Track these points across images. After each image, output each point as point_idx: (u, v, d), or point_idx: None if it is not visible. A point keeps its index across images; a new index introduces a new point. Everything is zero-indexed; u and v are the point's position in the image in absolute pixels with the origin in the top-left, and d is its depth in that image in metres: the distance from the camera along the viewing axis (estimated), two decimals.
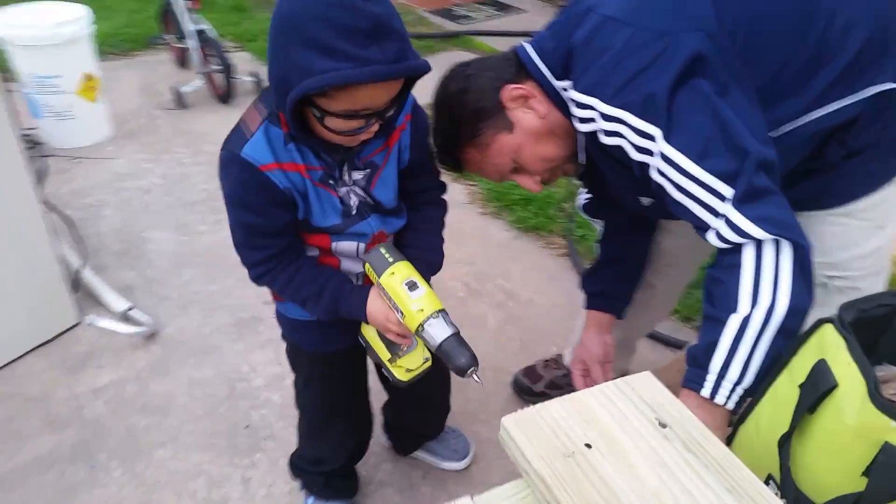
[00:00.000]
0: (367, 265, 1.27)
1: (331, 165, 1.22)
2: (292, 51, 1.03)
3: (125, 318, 2.33)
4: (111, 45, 4.49)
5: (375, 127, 1.15)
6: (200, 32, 3.77)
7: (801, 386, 0.95)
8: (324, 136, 1.15)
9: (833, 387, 0.90)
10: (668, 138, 1.13)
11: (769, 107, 1.20)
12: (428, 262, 1.36)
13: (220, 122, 3.62)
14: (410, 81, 1.17)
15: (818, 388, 0.92)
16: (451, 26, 5.15)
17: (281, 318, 1.49)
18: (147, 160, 3.35)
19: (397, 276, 1.22)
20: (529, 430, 0.93)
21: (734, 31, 1.17)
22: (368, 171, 1.26)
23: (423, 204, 1.41)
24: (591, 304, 1.75)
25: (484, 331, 2.37)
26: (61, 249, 2.40)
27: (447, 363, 1.22)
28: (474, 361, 1.23)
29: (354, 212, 1.27)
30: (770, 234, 1.09)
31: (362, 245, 1.31)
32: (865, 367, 0.87)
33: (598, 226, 1.79)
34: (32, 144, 3.03)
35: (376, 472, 1.87)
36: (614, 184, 1.42)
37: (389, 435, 1.90)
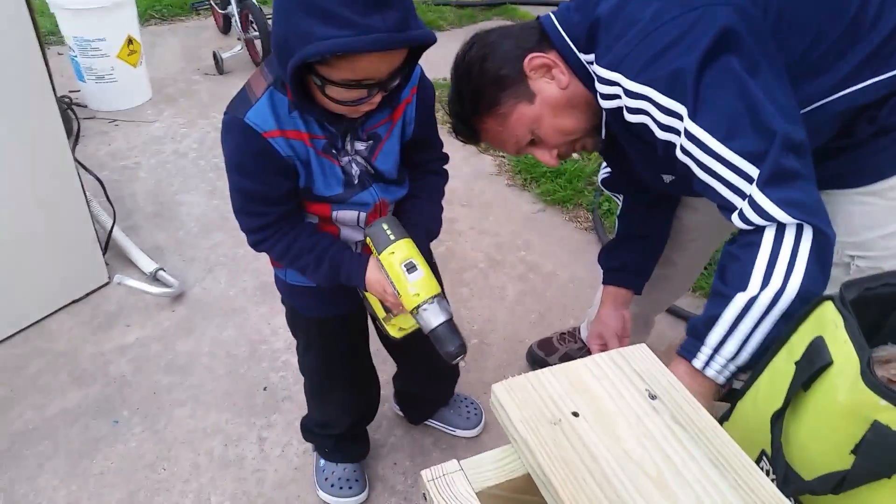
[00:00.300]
0: (367, 238, 1.27)
1: (334, 135, 1.21)
2: (294, 16, 1.01)
3: (154, 278, 2.39)
4: (156, 10, 4.57)
5: (378, 98, 1.13)
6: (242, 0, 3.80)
7: (797, 362, 0.93)
8: (326, 105, 1.13)
9: (827, 364, 0.87)
10: (694, 117, 1.10)
11: (800, 83, 1.16)
12: (427, 230, 1.37)
13: None
14: (416, 53, 1.15)
15: (813, 364, 0.89)
16: None
17: (280, 283, 1.50)
18: (184, 124, 3.41)
19: (397, 255, 1.23)
20: (519, 396, 0.93)
21: (766, 4, 1.14)
22: (371, 142, 1.25)
23: (426, 172, 1.40)
24: (609, 279, 1.71)
25: (503, 302, 2.36)
26: (94, 210, 2.46)
27: (436, 346, 1.25)
28: (463, 350, 1.26)
29: (356, 181, 1.26)
30: (794, 218, 1.06)
31: (363, 214, 1.30)
32: (861, 346, 0.84)
33: (618, 200, 1.76)
34: (70, 105, 3.12)
35: (388, 437, 1.89)
36: (636, 160, 1.39)
37: (401, 405, 1.92)
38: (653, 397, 0.93)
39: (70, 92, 3.51)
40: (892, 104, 1.18)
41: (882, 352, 0.99)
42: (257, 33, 3.76)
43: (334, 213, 1.29)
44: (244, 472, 1.80)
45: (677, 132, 1.13)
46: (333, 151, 1.23)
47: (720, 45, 1.09)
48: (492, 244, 2.63)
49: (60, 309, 2.28)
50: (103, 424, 1.92)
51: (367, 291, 1.33)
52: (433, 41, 1.10)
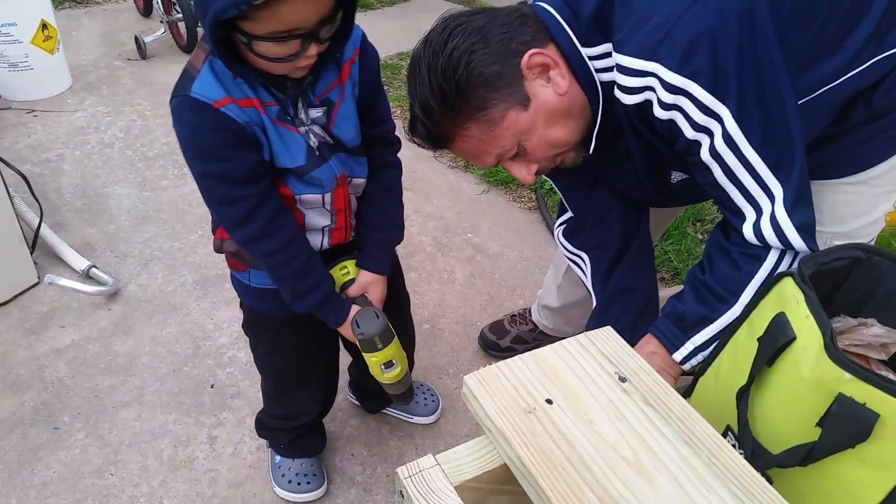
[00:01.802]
0: (356, 326, 1.33)
1: (283, 101, 1.14)
2: None
3: (86, 276, 2.28)
4: None
5: (312, 51, 1.05)
6: None
7: (760, 339, 0.95)
8: (260, 65, 1.06)
9: (791, 339, 0.90)
10: (739, 119, 1.03)
11: (811, 67, 1.11)
12: (389, 241, 1.39)
13: None
14: (348, 6, 1.08)
15: (777, 340, 0.91)
16: None
17: (240, 286, 1.43)
18: (108, 113, 3.26)
19: (376, 360, 1.37)
20: (492, 387, 0.93)
21: None
22: (325, 108, 1.19)
23: (380, 167, 1.35)
24: None
25: (452, 285, 2.35)
26: (19, 206, 2.33)
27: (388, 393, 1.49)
28: (412, 395, 1.54)
29: (317, 153, 1.20)
30: (805, 246, 1.09)
31: (328, 196, 1.25)
32: (823, 320, 0.87)
33: (583, 263, 1.56)
34: None
35: (344, 428, 1.87)
36: (640, 161, 1.26)
37: (357, 394, 1.89)
38: (623, 380, 0.93)
39: None
40: (886, 86, 1.15)
41: (836, 323, 1.02)
42: (181, 15, 3.61)
43: (297, 196, 1.23)
44: (196, 472, 1.75)
45: (710, 133, 1.06)
46: (288, 118, 1.16)
47: (753, 34, 1.02)
48: (438, 227, 2.62)
49: None
50: (42, 432, 1.83)
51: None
52: None
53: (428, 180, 2.87)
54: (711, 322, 1.15)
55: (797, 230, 1.08)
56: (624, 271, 1.49)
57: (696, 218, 2.59)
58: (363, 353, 1.37)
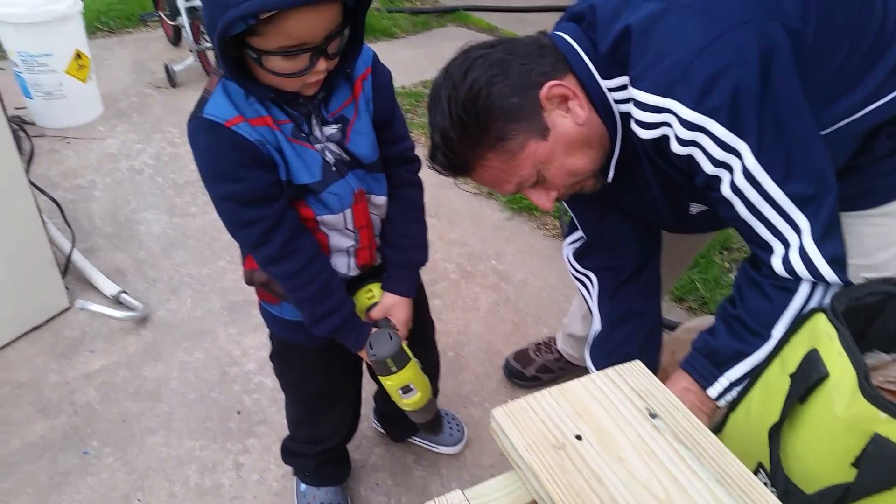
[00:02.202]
0: (370, 348, 1.32)
1: (297, 119, 1.16)
2: None
3: (116, 301, 2.31)
4: (103, 22, 4.44)
5: (321, 66, 1.07)
6: (192, 10, 3.72)
7: (792, 375, 0.95)
8: (270, 81, 1.08)
9: (824, 376, 0.89)
10: (758, 155, 1.03)
11: (833, 101, 1.11)
12: (412, 261, 1.40)
13: None
14: (356, 18, 1.11)
15: (809, 377, 0.91)
16: (448, 1, 5.08)
17: (272, 318, 1.43)
18: (138, 140, 3.32)
19: (393, 383, 1.35)
20: (520, 421, 0.93)
21: (808, 15, 1.07)
22: (340, 125, 1.20)
23: (400, 185, 1.35)
24: None
25: (476, 313, 2.35)
26: (52, 232, 2.38)
27: (420, 429, 1.50)
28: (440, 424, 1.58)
29: (334, 169, 1.21)
30: (837, 278, 1.07)
31: (349, 215, 1.26)
32: (856, 358, 0.86)
33: (589, 284, 1.56)
34: (21, 124, 3.01)
35: (369, 456, 1.87)
36: (659, 193, 1.27)
37: (382, 423, 1.89)
38: (653, 416, 0.93)
39: (16, 109, 3.38)
40: None
41: (870, 360, 1.01)
42: (210, 44, 3.68)
43: (319, 217, 1.24)
44: (222, 500, 1.76)
45: (730, 168, 1.06)
46: (303, 135, 1.17)
47: (771, 69, 1.02)
48: (462, 254, 2.63)
49: (20, 337, 2.19)
50: (72, 456, 1.85)
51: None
52: None
53: (452, 207, 2.88)
54: (746, 357, 1.13)
55: (828, 262, 1.07)
56: (633, 295, 1.48)
57: (724, 246, 2.57)
58: (379, 377, 1.36)
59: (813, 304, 1.10)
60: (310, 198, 1.22)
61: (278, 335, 1.48)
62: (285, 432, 1.73)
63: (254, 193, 1.15)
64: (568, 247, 1.60)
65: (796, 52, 1.03)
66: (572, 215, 1.56)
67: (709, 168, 1.07)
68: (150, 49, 4.22)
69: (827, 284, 1.10)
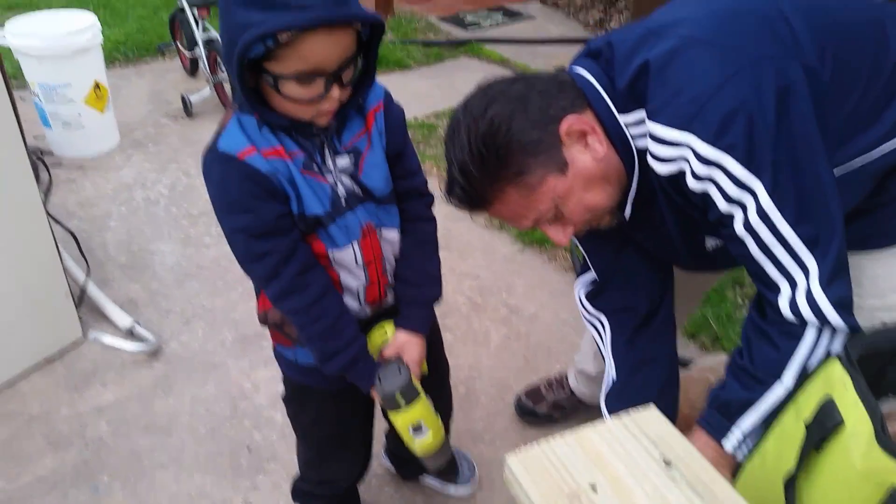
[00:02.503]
0: (378, 382, 1.30)
1: (310, 149, 1.18)
2: (233, 12, 1.01)
3: (129, 333, 2.33)
4: (121, 52, 4.51)
5: (335, 93, 1.09)
6: (209, 42, 3.77)
7: (808, 423, 0.94)
8: (286, 109, 1.11)
9: (839, 425, 0.88)
10: (773, 194, 1.03)
11: (848, 140, 1.11)
12: (425, 298, 1.38)
13: None
14: (368, 48, 1.14)
15: (825, 426, 0.90)
16: (459, 33, 5.14)
17: (286, 362, 1.43)
18: (154, 170, 3.35)
19: (402, 421, 1.32)
20: (535, 469, 0.92)
21: (824, 55, 1.08)
22: (353, 156, 1.22)
23: (413, 220, 1.35)
24: None
25: (487, 347, 2.35)
26: (67, 263, 2.40)
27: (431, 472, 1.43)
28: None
29: (343, 202, 1.22)
30: (842, 322, 1.07)
31: (357, 248, 1.25)
32: (872, 406, 0.85)
33: (601, 328, 1.54)
34: (40, 154, 3.05)
35: (379, 496, 1.86)
36: (675, 228, 1.26)
37: (392, 460, 1.88)
38: (668, 464, 0.92)
39: (35, 138, 3.44)
40: None
41: (886, 406, 1.00)
42: (226, 75, 3.73)
43: (331, 253, 1.24)
44: None
45: (744, 206, 1.06)
46: (315, 167, 1.19)
47: (790, 109, 1.03)
48: (473, 287, 2.63)
49: (33, 368, 2.21)
50: (82, 491, 1.85)
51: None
52: (378, 21, 1.10)
53: (463, 239, 2.89)
54: (754, 404, 1.13)
55: (834, 306, 1.06)
56: (648, 340, 1.47)
57: (736, 282, 2.56)
58: (388, 414, 1.33)
59: (820, 350, 1.09)
60: (321, 231, 1.22)
61: (292, 379, 1.48)
62: (295, 469, 1.73)
63: (265, 225, 1.16)
64: (580, 288, 1.59)
65: (813, 90, 1.04)
66: (584, 255, 1.55)
67: (723, 205, 1.07)
68: (166, 79, 4.28)
69: (833, 329, 1.09)
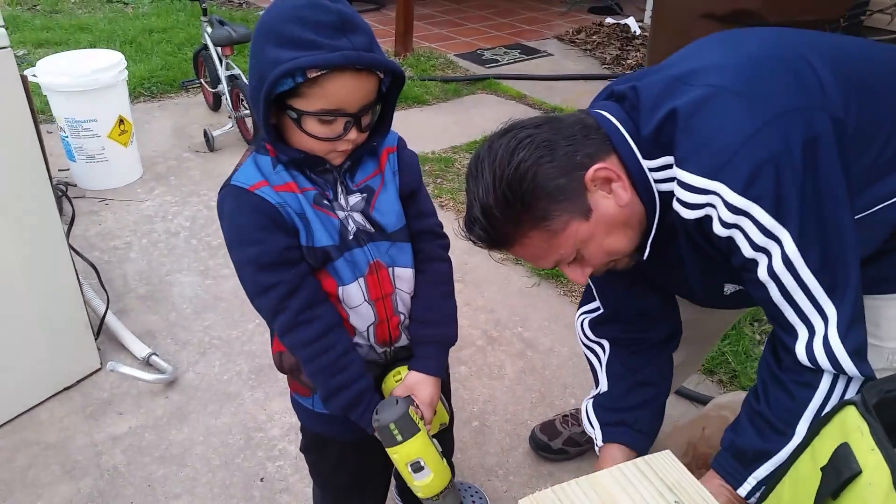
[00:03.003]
0: (375, 415, 1.25)
1: (322, 185, 1.21)
2: (266, 51, 1.07)
3: (147, 363, 2.34)
4: (146, 87, 4.62)
5: (352, 135, 1.15)
6: (233, 78, 3.86)
7: (824, 469, 0.92)
8: (304, 146, 1.16)
9: (856, 473, 0.87)
10: (799, 243, 1.05)
11: (870, 186, 1.13)
12: (440, 338, 1.36)
13: None
14: (388, 98, 1.20)
15: (841, 473, 0.89)
16: (477, 69, 5.21)
17: (303, 410, 1.43)
18: (175, 202, 3.41)
19: (401, 455, 1.25)
20: None
21: (849, 105, 1.09)
22: (366, 195, 1.25)
23: (429, 261, 1.35)
24: (615, 435, 1.45)
25: (502, 381, 2.34)
26: (87, 294, 2.43)
27: None
28: None
29: (351, 237, 1.23)
30: (857, 371, 1.08)
31: (364, 288, 1.25)
32: (889, 454, 0.84)
33: (601, 352, 1.55)
34: (65, 187, 3.12)
35: None
36: (693, 271, 1.27)
37: (402, 498, 1.87)
38: None
39: (59, 171, 3.51)
40: None
41: None
42: (248, 111, 3.80)
43: (340, 290, 1.24)
44: None
45: (769, 253, 1.07)
46: (326, 202, 1.21)
47: (818, 160, 1.05)
48: (488, 321, 2.63)
49: (51, 397, 2.23)
50: None
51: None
52: (400, 72, 1.16)
53: (479, 273, 2.90)
54: (771, 457, 1.13)
55: (850, 355, 1.07)
56: (649, 367, 1.48)
57: (754, 318, 2.54)
58: (387, 451, 1.27)
59: (834, 398, 1.10)
60: (329, 267, 1.23)
61: (310, 430, 1.46)
62: (307, 501, 1.72)
63: (271, 256, 1.18)
64: (582, 315, 1.58)
65: (839, 141, 1.05)
66: (592, 286, 1.54)
67: (748, 251, 1.08)
68: (189, 114, 4.37)
69: (848, 378, 1.10)
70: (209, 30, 3.88)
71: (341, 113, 1.11)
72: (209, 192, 3.48)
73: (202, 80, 4.35)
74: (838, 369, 1.08)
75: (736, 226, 1.07)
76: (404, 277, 1.32)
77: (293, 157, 1.17)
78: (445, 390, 1.59)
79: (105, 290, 2.54)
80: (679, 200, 1.12)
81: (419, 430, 1.25)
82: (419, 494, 1.31)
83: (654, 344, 1.47)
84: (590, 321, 1.54)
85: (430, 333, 1.35)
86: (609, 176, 1.15)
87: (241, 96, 3.82)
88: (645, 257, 1.25)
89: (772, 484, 1.05)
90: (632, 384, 1.47)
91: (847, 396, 1.09)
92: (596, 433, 1.47)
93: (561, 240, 1.17)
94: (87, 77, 3.26)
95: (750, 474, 1.16)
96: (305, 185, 1.19)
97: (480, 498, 1.87)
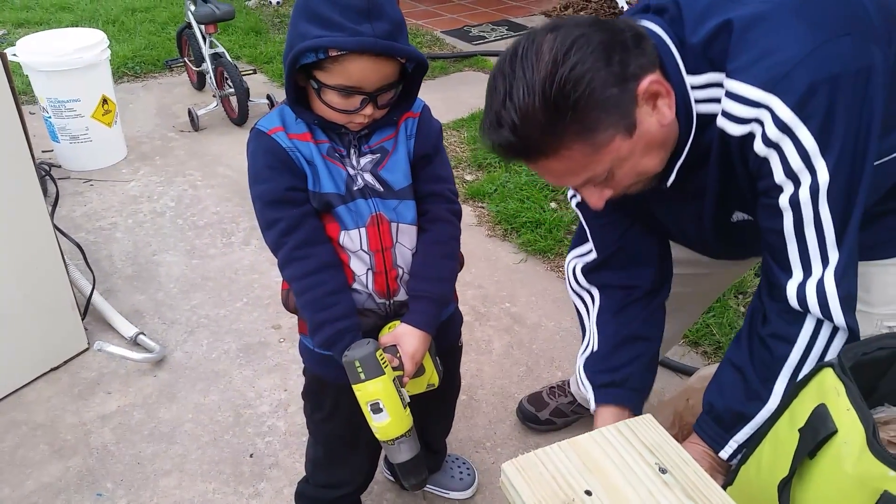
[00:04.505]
0: (345, 354, 1.26)
1: (336, 143, 1.29)
2: (299, 25, 1.17)
3: (134, 343, 2.34)
4: (129, 67, 4.57)
5: (368, 111, 1.22)
6: (217, 56, 3.82)
7: (801, 430, 0.94)
8: (323, 112, 1.24)
9: (832, 432, 0.88)
10: (831, 174, 1.01)
11: (887, 135, 1.09)
12: (433, 295, 1.36)
13: (233, 145, 3.66)
14: (412, 80, 1.27)
15: (818, 433, 0.90)
16: (464, 46, 5.18)
17: (306, 351, 1.47)
18: (160, 182, 3.39)
19: (362, 394, 1.27)
20: (530, 476, 0.93)
21: (893, 47, 1.05)
22: (378, 155, 1.31)
23: (435, 221, 1.37)
24: (608, 397, 1.39)
25: (490, 355, 2.35)
26: (73, 275, 2.42)
27: (398, 474, 1.37)
28: (422, 485, 1.39)
29: (357, 189, 1.29)
30: (843, 318, 1.06)
31: (363, 234, 1.29)
32: (864, 414, 0.86)
33: (591, 299, 1.50)
34: (48, 167, 3.09)
35: (380, 502, 1.86)
36: (712, 196, 1.20)
37: (392, 471, 1.88)
38: (663, 471, 0.93)
39: (43, 152, 3.48)
40: None
41: (880, 414, 1.00)
42: (232, 90, 3.76)
43: (342, 235, 1.30)
44: None
45: (798, 182, 1.03)
46: (338, 156, 1.29)
47: (868, 90, 1.01)
48: (476, 296, 2.63)
49: (39, 377, 2.22)
50: (86, 498, 1.86)
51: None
52: (421, 58, 1.22)
53: (466, 249, 2.85)
54: (750, 420, 1.14)
55: (840, 301, 1.06)
56: (641, 318, 1.43)
57: (738, 290, 2.56)
58: (352, 387, 1.28)
59: (816, 350, 1.09)
60: (333, 212, 1.30)
61: (311, 371, 1.51)
62: (296, 476, 1.73)
63: (276, 193, 1.27)
64: (574, 259, 1.51)
65: (885, 74, 1.02)
66: (586, 229, 1.47)
67: (779, 176, 1.04)
68: (173, 94, 4.33)
69: (831, 327, 1.09)
70: (192, 7, 3.82)
71: (359, 91, 1.19)
72: (194, 172, 3.46)
73: (186, 59, 4.31)
74: (826, 314, 1.06)
75: (777, 146, 1.02)
76: (407, 233, 1.35)
77: (310, 120, 1.27)
78: (453, 361, 1.60)
79: (91, 270, 2.54)
80: (726, 114, 1.06)
81: (383, 373, 1.25)
82: (377, 436, 1.32)
83: (645, 293, 1.43)
84: (582, 267, 1.48)
85: (424, 289, 1.36)
86: (659, 91, 1.07)
87: (226, 75, 3.79)
88: (669, 184, 1.18)
89: (752, 446, 1.07)
90: (622, 339, 1.41)
91: (831, 347, 1.09)
92: (589, 396, 1.43)
93: (602, 155, 1.07)
94: (70, 56, 3.22)
95: (731, 438, 1.16)
96: (321, 138, 1.28)
97: (468, 469, 1.89)
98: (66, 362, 2.29)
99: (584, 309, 1.50)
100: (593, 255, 1.46)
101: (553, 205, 3.12)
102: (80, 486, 1.89)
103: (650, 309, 1.44)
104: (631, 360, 1.40)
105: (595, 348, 1.44)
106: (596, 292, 1.47)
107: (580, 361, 1.47)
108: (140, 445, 2.02)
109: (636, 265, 1.43)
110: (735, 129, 1.05)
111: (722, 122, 1.07)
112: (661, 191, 1.20)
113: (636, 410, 1.38)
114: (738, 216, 1.25)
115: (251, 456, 1.98)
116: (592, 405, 1.42)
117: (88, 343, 2.34)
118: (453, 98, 4.20)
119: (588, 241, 1.47)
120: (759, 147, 1.04)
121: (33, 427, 2.06)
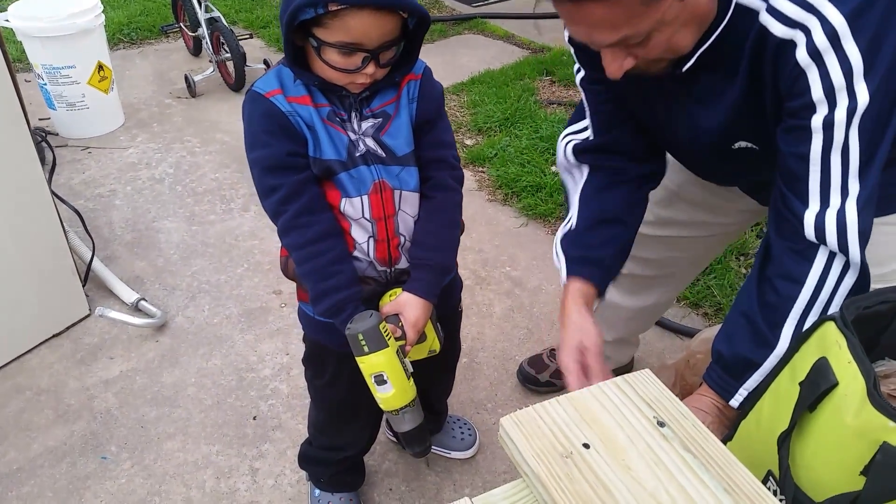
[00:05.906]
0: (348, 327, 1.26)
1: (337, 106, 1.25)
2: None
3: (136, 308, 2.35)
4: (125, 33, 4.51)
5: (370, 69, 1.17)
6: (212, 21, 3.77)
7: (802, 383, 0.94)
8: (323, 72, 1.20)
9: (833, 385, 0.88)
10: (871, 98, 0.97)
11: None
12: (435, 263, 1.35)
13: (231, 111, 3.63)
14: (413, 37, 1.22)
15: (818, 386, 0.90)
16: (464, 8, 5.11)
17: (305, 318, 1.46)
18: (158, 149, 3.37)
19: (365, 367, 1.28)
20: (528, 430, 0.93)
21: None
22: (380, 119, 1.27)
23: (438, 188, 1.35)
24: (579, 270, 1.36)
25: (490, 319, 2.36)
26: (72, 241, 2.42)
27: (402, 442, 1.41)
28: (425, 452, 1.43)
29: (359, 155, 1.26)
30: (858, 252, 1.04)
31: (366, 201, 1.27)
32: (865, 366, 0.85)
33: (578, 173, 1.46)
34: (44, 133, 3.07)
35: (382, 462, 1.88)
36: (725, 108, 1.16)
37: (395, 434, 1.90)
38: (661, 424, 0.93)
39: (40, 120, 3.46)
40: None
41: (881, 367, 1.00)
42: (229, 55, 3.72)
43: (343, 202, 1.27)
44: None
45: (834, 103, 1.00)
46: (339, 121, 1.25)
47: None
48: (477, 261, 2.63)
49: (41, 344, 2.23)
50: (91, 461, 1.88)
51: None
52: (424, 12, 1.17)
53: (467, 213, 2.85)
54: (758, 367, 1.13)
55: (858, 235, 1.04)
56: (623, 201, 1.40)
57: (740, 252, 2.56)
58: (356, 359, 1.29)
59: (827, 288, 1.07)
60: (335, 179, 1.27)
61: (311, 338, 1.50)
62: (300, 438, 1.75)
63: (275, 159, 1.23)
64: (568, 137, 1.46)
65: None
66: (587, 107, 1.41)
67: (817, 93, 1.01)
68: (170, 60, 4.28)
69: (844, 262, 1.06)
70: None
71: (360, 48, 1.14)
72: (192, 139, 3.44)
73: (182, 25, 4.25)
74: (842, 245, 1.04)
75: (820, 59, 0.98)
76: (409, 200, 1.33)
77: (309, 82, 1.22)
78: (453, 325, 1.60)
79: (91, 237, 2.53)
80: (774, 11, 1.01)
81: (387, 346, 1.26)
82: (381, 406, 1.33)
83: (632, 178, 1.40)
84: (574, 146, 1.44)
85: (425, 256, 1.35)
86: None
87: (222, 39, 3.74)
88: (685, 69, 1.13)
89: (753, 399, 1.07)
90: (601, 219, 1.40)
91: (841, 286, 1.07)
92: (561, 266, 1.41)
93: (651, 10, 1.00)
94: (64, 21, 3.18)
95: (741, 385, 1.14)
96: (321, 101, 1.24)
97: (470, 430, 1.90)
98: (67, 328, 2.30)
99: (572, 183, 1.47)
100: (588, 134, 1.43)
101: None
102: (84, 449, 1.91)
103: (635, 196, 1.42)
104: (606, 241, 1.39)
105: (574, 225, 1.42)
106: (585, 170, 1.44)
107: (559, 235, 1.46)
108: (143, 409, 2.03)
109: (628, 155, 1.40)
110: (779, 30, 1.01)
111: (766, 18, 1.02)
112: (666, 88, 1.19)
113: (601, 288, 1.38)
114: (742, 144, 1.22)
115: (254, 418, 2.00)
116: (563, 277, 1.41)
117: (90, 309, 2.34)
118: (452, 62, 4.16)
119: (585, 118, 1.44)
120: (801, 56, 0.99)
121: (37, 392, 2.08)
